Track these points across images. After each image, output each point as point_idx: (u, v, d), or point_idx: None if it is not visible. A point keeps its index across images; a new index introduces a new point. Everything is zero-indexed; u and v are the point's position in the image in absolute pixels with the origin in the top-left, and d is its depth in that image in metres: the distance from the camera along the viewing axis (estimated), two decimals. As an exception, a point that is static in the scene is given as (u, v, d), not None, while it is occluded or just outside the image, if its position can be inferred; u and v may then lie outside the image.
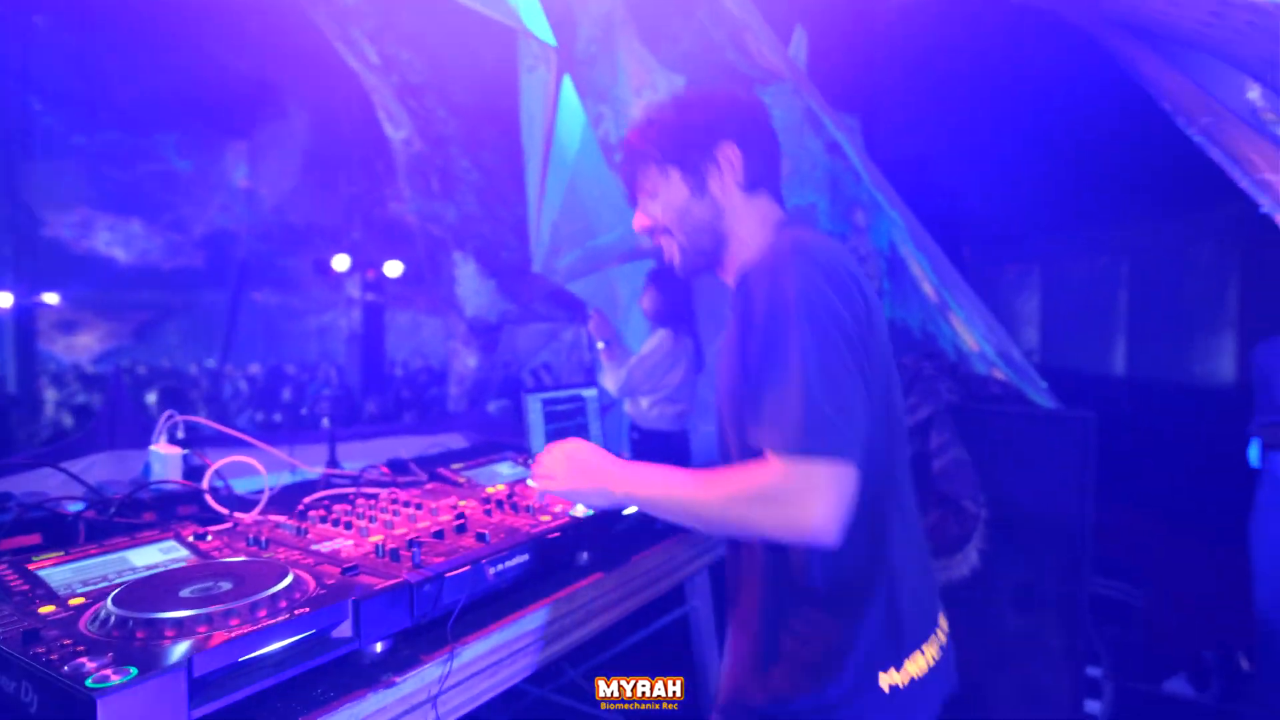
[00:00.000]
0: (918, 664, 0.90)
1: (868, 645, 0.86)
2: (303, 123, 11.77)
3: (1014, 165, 5.52)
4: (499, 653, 1.02)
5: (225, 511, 1.22)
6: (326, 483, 1.55)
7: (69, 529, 1.14)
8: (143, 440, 1.71)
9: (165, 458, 1.34)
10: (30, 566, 0.86)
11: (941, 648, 0.96)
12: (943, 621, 0.99)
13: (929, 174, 5.05)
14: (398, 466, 1.74)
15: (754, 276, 0.86)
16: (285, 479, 1.71)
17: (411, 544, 1.02)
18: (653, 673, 1.13)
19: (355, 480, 1.61)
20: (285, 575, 0.86)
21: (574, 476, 1.00)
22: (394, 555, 1.00)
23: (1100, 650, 2.19)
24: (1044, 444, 1.82)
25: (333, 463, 1.74)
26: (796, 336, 0.80)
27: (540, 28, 3.08)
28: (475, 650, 0.98)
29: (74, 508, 1.19)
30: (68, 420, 5.04)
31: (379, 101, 5.62)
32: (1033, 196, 5.70)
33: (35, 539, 1.13)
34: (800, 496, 0.78)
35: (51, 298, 10.77)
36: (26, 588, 0.82)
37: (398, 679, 0.86)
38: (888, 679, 0.87)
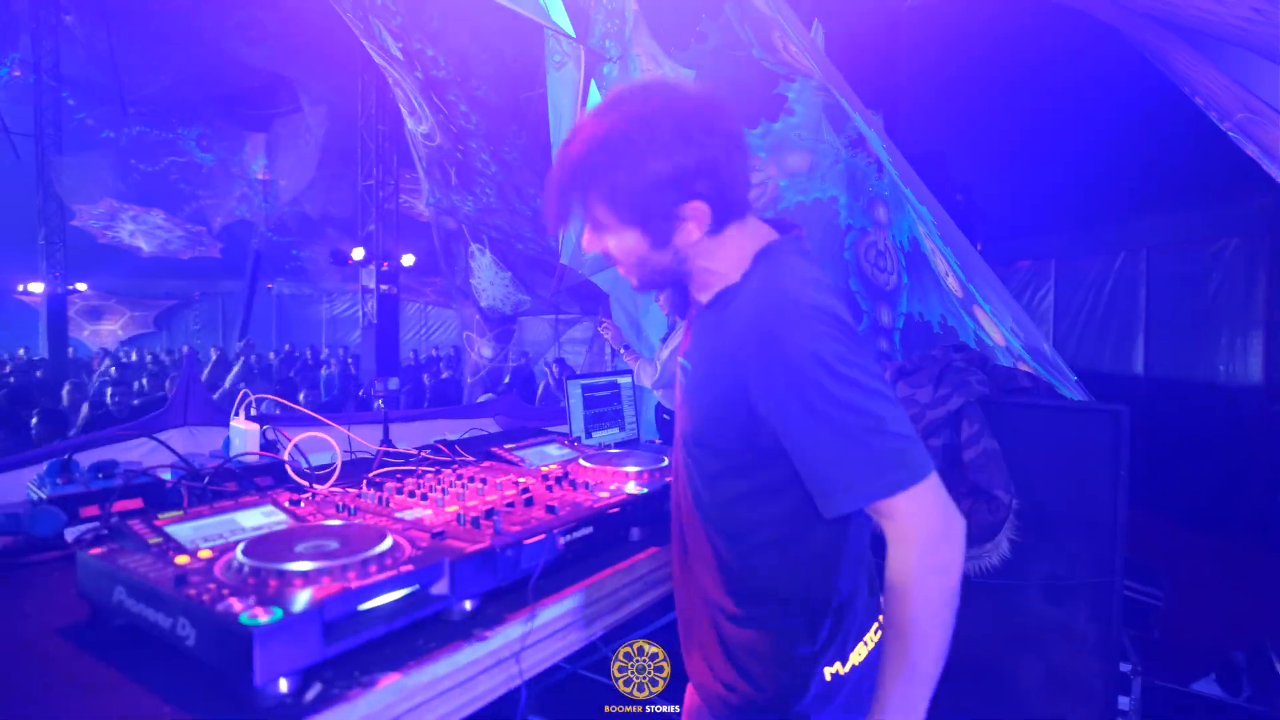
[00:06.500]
0: (860, 653, 0.95)
1: (818, 647, 0.92)
2: (320, 116, 11.88)
3: (1030, 159, 5.51)
4: (569, 616, 1.10)
5: (305, 483, 1.31)
6: (380, 460, 1.64)
7: (169, 495, 1.23)
8: (211, 418, 1.80)
9: (245, 432, 1.42)
10: (158, 523, 0.94)
11: (880, 628, 0.96)
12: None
13: (944, 168, 5.06)
14: (447, 447, 1.83)
15: (760, 337, 0.85)
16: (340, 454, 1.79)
17: (490, 513, 1.10)
18: (669, 642, 1.19)
19: (408, 459, 1.69)
20: (385, 537, 0.93)
21: None
22: (475, 523, 1.08)
23: (1127, 645, 2.23)
24: (1075, 437, 1.86)
25: (386, 441, 1.82)
26: (836, 390, 0.81)
27: (563, 20, 3.14)
28: (551, 613, 1.05)
29: (165, 476, 1.28)
30: (109, 397, 5.24)
31: (401, 96, 5.70)
32: (1049, 191, 5.68)
33: (138, 503, 1.22)
34: (946, 523, 0.82)
35: (80, 286, 10.98)
36: (159, 540, 0.90)
37: (488, 634, 0.94)
38: (831, 670, 0.93)
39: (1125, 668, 2.28)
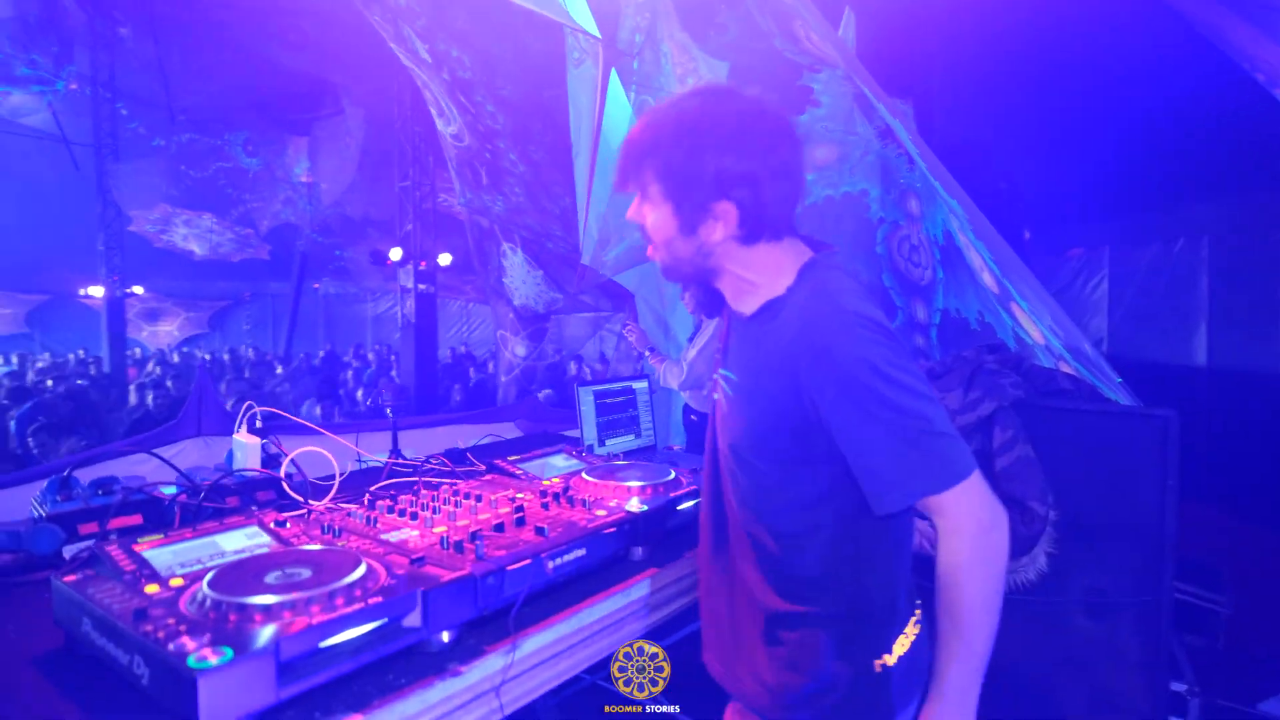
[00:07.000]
0: (903, 644, 0.99)
1: (868, 640, 0.96)
2: (358, 119, 12.09)
3: (1079, 141, 5.23)
4: (558, 645, 1.05)
5: (300, 499, 1.29)
6: (389, 471, 1.62)
7: (165, 511, 1.23)
8: (226, 428, 1.82)
9: (246, 446, 1.42)
10: (135, 548, 0.93)
11: (918, 621, 1.04)
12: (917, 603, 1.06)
13: (986, 156, 4.83)
14: (456, 457, 1.80)
15: (813, 345, 0.90)
16: (350, 465, 1.79)
17: (474, 537, 1.06)
18: (693, 656, 1.15)
19: (416, 469, 1.67)
20: (358, 565, 0.90)
21: None
22: (458, 547, 1.04)
23: (1182, 662, 2.08)
24: (1119, 444, 1.73)
25: (395, 451, 1.81)
26: (891, 395, 0.87)
27: (585, 18, 3.08)
28: (536, 642, 1.01)
29: (168, 491, 1.28)
30: (150, 399, 5.50)
31: (430, 98, 5.73)
32: (1100, 174, 5.40)
33: (137, 519, 1.22)
34: (993, 515, 0.88)
35: (137, 290, 11.49)
36: (134, 567, 0.89)
37: (463, 668, 0.90)
38: (880, 661, 0.97)
39: (1180, 687, 2.12)
